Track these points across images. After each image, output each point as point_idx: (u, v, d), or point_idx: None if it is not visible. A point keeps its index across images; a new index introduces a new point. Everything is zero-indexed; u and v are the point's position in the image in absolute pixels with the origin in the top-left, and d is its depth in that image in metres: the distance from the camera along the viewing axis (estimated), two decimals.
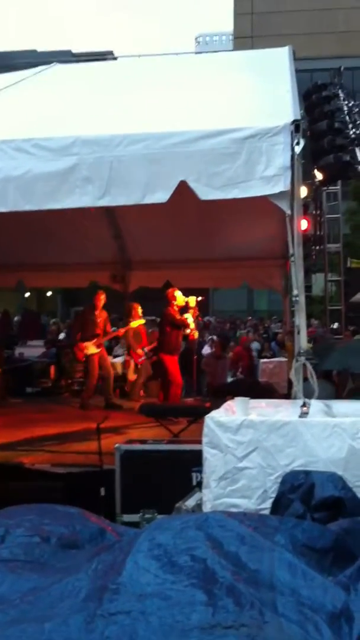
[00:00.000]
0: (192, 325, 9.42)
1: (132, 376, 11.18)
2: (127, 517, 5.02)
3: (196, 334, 10.25)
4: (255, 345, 16.19)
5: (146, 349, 10.25)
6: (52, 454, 6.32)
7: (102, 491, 5.12)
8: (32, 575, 2.55)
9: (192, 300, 9.56)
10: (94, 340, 9.61)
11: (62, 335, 16.76)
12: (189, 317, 9.32)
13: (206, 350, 13.96)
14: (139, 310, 10.51)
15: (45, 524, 2.92)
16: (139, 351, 10.31)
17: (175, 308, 9.36)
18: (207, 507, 3.86)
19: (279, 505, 3.59)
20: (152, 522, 3.29)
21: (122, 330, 10.69)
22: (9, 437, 6.98)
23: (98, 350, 9.66)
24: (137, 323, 10.39)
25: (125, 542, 2.68)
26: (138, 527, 4.31)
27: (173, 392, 9.22)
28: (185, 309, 9.52)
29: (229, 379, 12.75)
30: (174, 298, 9.37)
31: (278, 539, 2.61)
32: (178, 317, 9.24)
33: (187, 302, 9.50)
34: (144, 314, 11.01)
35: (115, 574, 2.39)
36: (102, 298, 9.87)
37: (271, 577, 2.41)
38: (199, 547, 2.51)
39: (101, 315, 9.83)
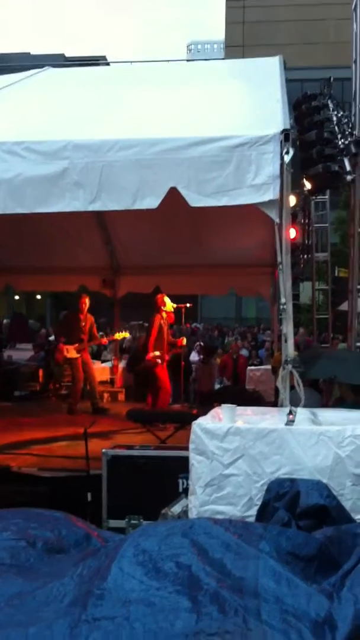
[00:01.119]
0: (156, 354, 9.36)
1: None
2: (113, 523, 5.02)
3: (184, 341, 10.25)
4: (243, 352, 16.24)
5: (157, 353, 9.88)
6: (39, 458, 6.31)
7: (89, 496, 5.12)
8: (17, 580, 2.55)
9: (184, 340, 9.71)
10: (76, 345, 9.59)
11: (51, 338, 16.75)
12: (157, 354, 9.26)
13: (194, 356, 13.99)
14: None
15: (31, 528, 2.92)
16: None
17: (164, 314, 9.37)
18: (192, 514, 3.86)
19: (264, 513, 3.61)
20: (137, 528, 3.29)
21: (105, 340, 10.76)
22: None
23: (78, 355, 9.62)
24: (121, 335, 10.42)
25: (110, 547, 2.69)
26: (124, 532, 4.32)
27: (162, 398, 9.22)
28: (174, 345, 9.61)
29: (217, 386, 12.77)
30: (163, 304, 9.39)
31: (263, 547, 2.62)
32: (155, 335, 9.24)
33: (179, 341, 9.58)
34: (132, 320, 11.02)
35: (100, 580, 2.40)
36: (86, 302, 9.85)
37: (256, 584, 2.42)
38: (184, 554, 2.52)
39: (87, 320, 9.80)
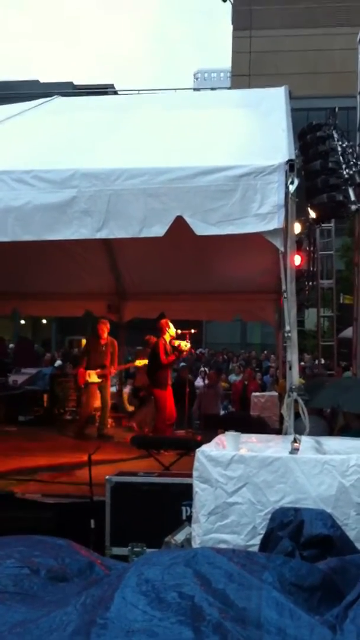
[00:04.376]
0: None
1: (129, 407, 11.27)
2: (116, 550, 5.01)
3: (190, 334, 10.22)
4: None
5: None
6: (42, 484, 6.30)
7: (92, 523, 5.10)
8: (21, 607, 2.54)
9: (185, 345, 9.64)
10: (98, 370, 9.63)
11: (57, 363, 16.78)
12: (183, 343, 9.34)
13: (199, 382, 13.99)
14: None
15: (35, 556, 2.91)
16: None
17: (167, 337, 9.43)
18: (196, 542, 3.85)
19: (268, 542, 3.58)
20: (140, 557, 3.28)
21: (130, 365, 10.91)
22: (0, 466, 6.95)
23: (99, 380, 9.66)
24: (142, 362, 10.45)
25: (114, 576, 2.68)
26: (127, 560, 4.30)
27: (163, 424, 9.26)
28: (176, 349, 9.58)
29: (222, 412, 12.76)
30: (168, 326, 9.46)
31: (266, 577, 2.61)
32: (164, 358, 9.28)
33: (179, 345, 9.57)
34: (137, 344, 11.08)
35: (103, 609, 2.39)
36: (103, 328, 9.89)
37: (258, 615, 2.41)
38: (187, 584, 2.51)
39: (107, 345, 9.84)
